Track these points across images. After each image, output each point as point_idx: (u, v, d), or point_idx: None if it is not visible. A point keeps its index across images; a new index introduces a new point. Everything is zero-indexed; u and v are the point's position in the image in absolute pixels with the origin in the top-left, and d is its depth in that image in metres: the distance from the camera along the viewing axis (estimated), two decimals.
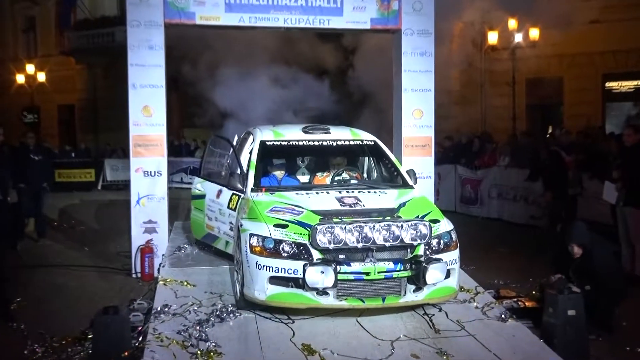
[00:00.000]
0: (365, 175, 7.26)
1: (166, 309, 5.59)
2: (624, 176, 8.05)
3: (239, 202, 6.33)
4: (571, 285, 5.88)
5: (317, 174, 7.09)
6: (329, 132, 6.95)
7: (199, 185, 7.27)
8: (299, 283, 5.19)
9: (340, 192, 6.08)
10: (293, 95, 10.57)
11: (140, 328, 5.51)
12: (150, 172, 8.23)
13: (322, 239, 5.17)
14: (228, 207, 6.52)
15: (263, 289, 5.26)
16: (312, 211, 5.57)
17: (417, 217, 5.60)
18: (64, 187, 18.91)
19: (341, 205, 5.76)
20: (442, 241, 5.55)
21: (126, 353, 4.96)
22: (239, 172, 6.46)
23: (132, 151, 8.25)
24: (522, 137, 14.22)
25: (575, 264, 6.09)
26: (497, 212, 12.92)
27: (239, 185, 6.33)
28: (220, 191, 6.77)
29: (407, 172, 6.72)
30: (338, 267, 5.13)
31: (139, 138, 8.22)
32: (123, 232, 9.83)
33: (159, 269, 7.28)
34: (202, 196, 7.12)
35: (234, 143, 8.16)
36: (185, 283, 6.34)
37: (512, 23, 17.07)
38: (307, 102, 10.57)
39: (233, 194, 6.48)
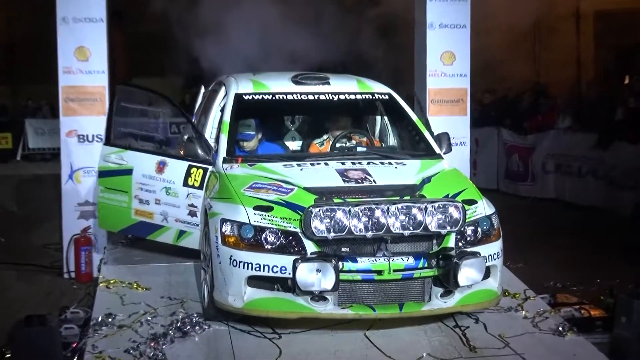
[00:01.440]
0: (377, 140, 7.24)
1: (110, 320, 5.61)
2: None
3: (208, 177, 6.33)
4: None
5: (314, 141, 7.07)
6: (329, 83, 6.92)
7: (115, 156, 7.02)
8: (288, 285, 5.21)
9: (343, 164, 6.07)
10: (287, 34, 10.47)
11: (74, 344, 5.50)
12: (88, 136, 8.21)
13: (319, 226, 5.17)
14: (185, 184, 6.49)
15: (239, 293, 5.27)
16: (305, 189, 5.57)
17: (447, 196, 5.61)
18: None
19: (345, 180, 5.76)
20: (479, 229, 5.57)
21: None
22: (198, 136, 6.41)
23: (63, 108, 8.22)
24: (590, 89, 14.19)
25: None
26: (554, 191, 12.95)
27: (202, 154, 6.32)
28: (163, 163, 6.68)
29: (438, 136, 6.71)
30: (340, 263, 5.13)
31: (71, 90, 8.18)
32: (51, 218, 9.80)
33: (99, 267, 7.29)
34: (125, 172, 6.91)
35: (200, 97, 8.14)
36: (135, 285, 6.36)
37: None
38: (306, 43, 10.48)
39: (192, 166, 6.46)
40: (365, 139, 6.99)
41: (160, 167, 6.70)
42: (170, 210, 6.63)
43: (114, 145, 6.99)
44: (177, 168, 6.57)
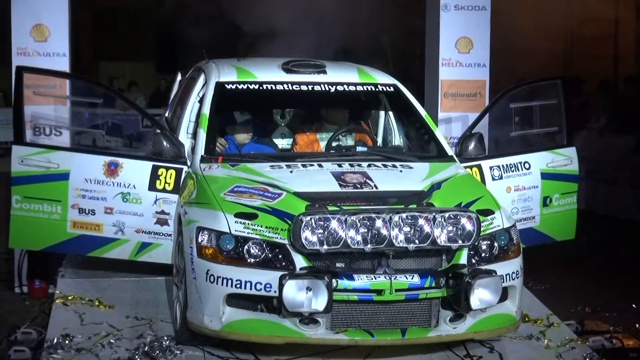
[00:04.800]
0: (379, 139, 7.27)
1: (67, 342, 5.60)
2: None
3: (184, 179, 6.36)
4: None
5: (305, 131, 7.10)
6: (325, 72, 6.94)
7: (38, 158, 6.70)
8: (273, 305, 5.22)
9: (340, 166, 6.10)
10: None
11: None
12: (45, 128, 8.20)
13: (310, 238, 5.18)
14: (153, 187, 6.46)
15: (217, 314, 5.28)
16: (295, 194, 5.59)
17: (459, 205, 5.63)
18: None
19: (341, 185, 5.78)
20: (496, 244, 5.58)
21: None
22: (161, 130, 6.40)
23: None
24: (628, 84, 14.19)
25: None
26: (585, 202, 12.91)
27: (172, 150, 6.34)
28: (114, 164, 6.55)
29: (472, 137, 6.75)
30: (334, 281, 5.14)
31: (27, 75, 8.16)
32: (0, 222, 9.81)
33: (55, 280, 7.27)
34: (56, 176, 6.74)
35: (176, 85, 8.15)
36: (97, 302, 6.37)
37: None
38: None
39: (158, 166, 6.45)
40: (365, 138, 7.00)
41: (112, 169, 6.56)
42: (129, 220, 6.53)
43: (31, 145, 6.77)
44: (136, 169, 6.51)
